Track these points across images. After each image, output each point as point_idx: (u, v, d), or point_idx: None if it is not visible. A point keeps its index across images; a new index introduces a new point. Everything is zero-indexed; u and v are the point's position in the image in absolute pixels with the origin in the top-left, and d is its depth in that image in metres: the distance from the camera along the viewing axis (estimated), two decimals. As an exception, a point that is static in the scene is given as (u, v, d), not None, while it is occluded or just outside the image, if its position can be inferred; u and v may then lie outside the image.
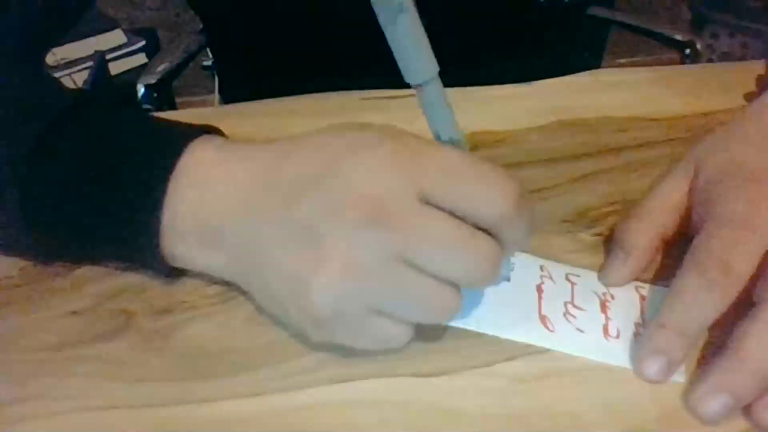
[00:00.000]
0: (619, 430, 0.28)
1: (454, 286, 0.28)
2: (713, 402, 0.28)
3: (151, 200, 0.30)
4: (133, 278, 0.34)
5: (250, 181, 0.30)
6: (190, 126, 0.33)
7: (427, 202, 0.27)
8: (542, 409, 0.29)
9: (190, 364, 0.31)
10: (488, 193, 0.27)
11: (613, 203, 0.39)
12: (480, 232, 0.27)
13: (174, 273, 0.33)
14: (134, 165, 0.31)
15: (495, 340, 0.31)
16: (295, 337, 0.31)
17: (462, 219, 0.27)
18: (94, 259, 0.35)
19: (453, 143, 0.29)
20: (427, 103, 0.29)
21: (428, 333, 0.32)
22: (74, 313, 0.33)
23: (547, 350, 0.31)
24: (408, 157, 0.28)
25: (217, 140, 0.33)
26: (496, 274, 0.28)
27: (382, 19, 0.26)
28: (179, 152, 0.31)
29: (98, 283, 0.34)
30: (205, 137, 0.32)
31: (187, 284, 0.34)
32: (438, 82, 0.28)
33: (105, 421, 0.28)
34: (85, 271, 0.35)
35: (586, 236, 0.37)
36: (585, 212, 0.39)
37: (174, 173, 0.30)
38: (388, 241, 0.26)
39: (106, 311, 0.33)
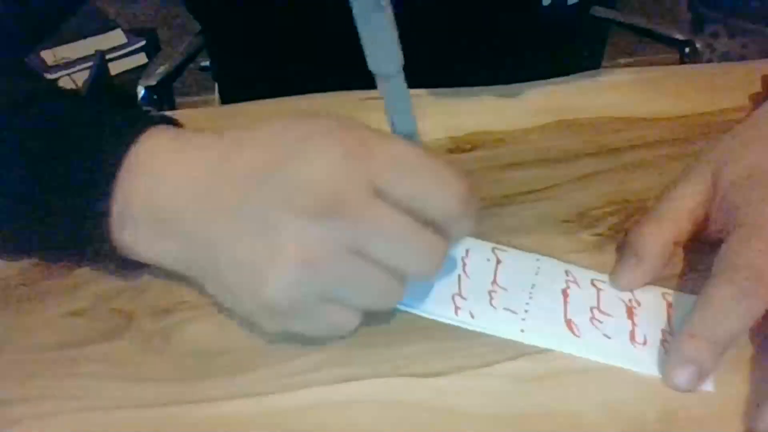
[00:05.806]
0: (619, 430, 0.28)
1: (401, 277, 0.29)
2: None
3: (102, 188, 0.30)
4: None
5: (202, 170, 0.30)
6: (144, 115, 0.33)
7: (379, 195, 0.27)
8: (542, 409, 0.29)
9: (190, 364, 0.31)
10: (438, 192, 0.28)
11: (613, 203, 0.39)
12: (428, 227, 0.28)
13: (128, 266, 0.33)
14: (85, 153, 0.31)
15: (495, 340, 0.31)
16: (295, 337, 0.31)
17: (412, 213, 0.28)
18: (50, 255, 0.35)
19: (407, 136, 0.30)
20: (389, 95, 0.29)
21: (428, 333, 0.32)
22: (74, 313, 0.33)
23: (548, 350, 0.31)
24: (362, 151, 0.28)
25: (171, 130, 0.32)
26: (441, 266, 0.29)
27: (356, 11, 0.26)
28: (132, 141, 0.30)
29: (98, 283, 0.34)
30: (159, 127, 0.32)
31: (187, 284, 0.34)
32: (401, 76, 0.28)
33: (105, 421, 0.28)
34: (85, 271, 0.35)
35: (586, 236, 0.37)
36: (585, 212, 0.39)
37: (126, 162, 0.30)
38: (341, 232, 0.27)
39: (106, 311, 0.33)
